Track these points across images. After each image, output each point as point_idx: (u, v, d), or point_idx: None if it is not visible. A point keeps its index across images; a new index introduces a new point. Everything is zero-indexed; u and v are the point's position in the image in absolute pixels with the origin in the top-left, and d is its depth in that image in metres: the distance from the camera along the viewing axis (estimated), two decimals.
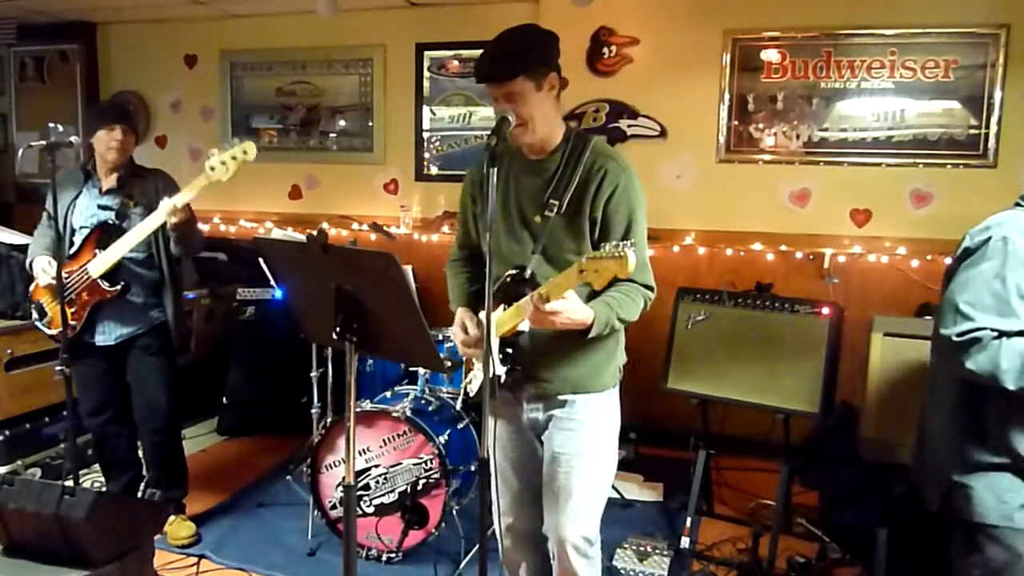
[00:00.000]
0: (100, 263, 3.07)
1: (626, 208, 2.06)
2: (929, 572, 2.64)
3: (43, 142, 2.81)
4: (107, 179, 3.23)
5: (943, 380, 1.99)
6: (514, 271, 2.13)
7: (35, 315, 3.23)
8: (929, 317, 3.08)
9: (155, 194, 3.18)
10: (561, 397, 2.17)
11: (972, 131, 4.05)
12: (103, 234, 3.12)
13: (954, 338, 1.81)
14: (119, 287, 3.12)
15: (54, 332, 2.98)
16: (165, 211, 2.97)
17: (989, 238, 1.84)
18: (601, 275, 1.83)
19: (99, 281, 3.09)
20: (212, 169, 2.97)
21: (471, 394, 2.31)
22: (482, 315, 1.95)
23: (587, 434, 2.18)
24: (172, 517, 3.38)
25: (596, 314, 1.97)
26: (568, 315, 1.92)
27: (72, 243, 3.17)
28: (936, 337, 1.92)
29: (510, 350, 2.14)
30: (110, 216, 3.16)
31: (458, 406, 3.42)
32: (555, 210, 2.07)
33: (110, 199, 3.20)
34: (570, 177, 2.08)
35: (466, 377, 2.36)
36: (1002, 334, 1.77)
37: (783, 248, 4.35)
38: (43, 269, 3.07)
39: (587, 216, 2.06)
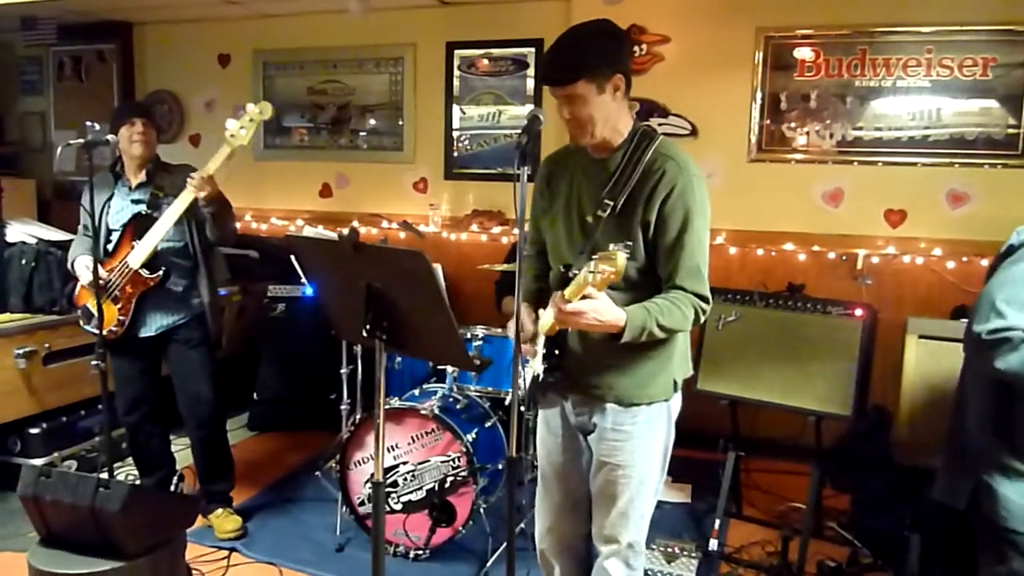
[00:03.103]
0: (139, 253, 3.12)
1: (682, 212, 1.95)
2: None
3: (80, 140, 2.86)
4: (136, 176, 3.28)
5: (977, 377, 1.95)
6: (563, 269, 2.06)
7: (82, 320, 3.28)
8: (965, 320, 3.02)
9: (183, 184, 3.23)
10: (607, 405, 2.10)
11: (1011, 131, 3.97)
12: (138, 225, 3.17)
13: (984, 336, 1.78)
14: (160, 273, 3.18)
15: (102, 332, 3.03)
16: (194, 185, 3.03)
17: None
18: (600, 277, 1.75)
19: (140, 271, 3.15)
20: (232, 136, 3.06)
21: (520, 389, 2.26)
22: (540, 313, 1.94)
23: (633, 446, 2.10)
24: (219, 510, 3.43)
25: (629, 317, 1.88)
26: (595, 315, 1.83)
27: (108, 242, 3.22)
28: (968, 332, 1.87)
29: (557, 351, 2.09)
30: (142, 208, 3.22)
31: (507, 402, 3.42)
32: (608, 210, 2.00)
33: (141, 193, 3.25)
34: (629, 176, 1.99)
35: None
36: None
37: (815, 248, 4.29)
38: (86, 266, 3.12)
39: (639, 217, 1.98)
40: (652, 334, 1.93)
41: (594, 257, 1.76)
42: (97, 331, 3.00)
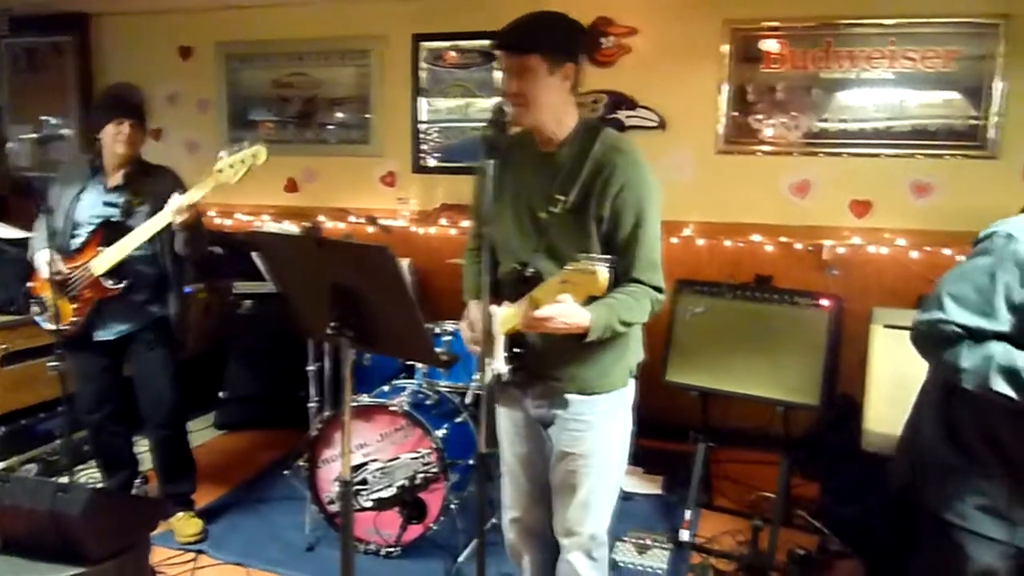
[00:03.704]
0: (103, 261, 3.04)
1: (635, 206, 1.96)
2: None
3: (34, 135, 2.78)
4: (114, 175, 3.18)
5: (932, 367, 1.97)
6: (519, 267, 2.07)
7: (35, 309, 3.20)
8: None
9: (162, 192, 3.16)
10: (568, 396, 2.12)
11: (972, 122, 4.02)
12: (107, 231, 3.08)
13: (920, 324, 1.80)
14: (122, 285, 3.09)
15: (53, 328, 2.95)
16: (172, 210, 2.93)
17: (994, 233, 1.79)
18: (578, 288, 1.76)
19: (102, 279, 3.06)
20: (220, 172, 2.93)
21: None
22: (492, 309, 1.93)
23: (594, 435, 2.13)
24: (180, 513, 3.37)
25: (594, 317, 1.90)
26: (562, 319, 1.85)
27: (74, 237, 3.13)
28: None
29: (517, 349, 2.10)
30: (115, 213, 3.13)
31: (467, 399, 3.40)
32: (561, 206, 2.00)
33: (116, 196, 3.16)
34: (578, 171, 2.00)
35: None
36: (972, 333, 1.73)
37: (783, 240, 4.32)
38: (46, 262, 3.04)
39: (593, 213, 1.98)
40: (615, 330, 1.97)
41: (568, 267, 1.76)
42: (52, 327, 2.93)
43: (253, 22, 5.29)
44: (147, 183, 3.19)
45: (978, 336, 1.73)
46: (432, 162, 5.06)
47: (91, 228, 3.11)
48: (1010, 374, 1.67)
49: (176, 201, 2.93)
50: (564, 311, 1.84)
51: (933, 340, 1.78)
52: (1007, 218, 1.83)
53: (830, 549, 3.26)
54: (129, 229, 3.05)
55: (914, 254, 4.12)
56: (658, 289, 2.04)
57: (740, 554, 3.20)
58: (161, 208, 2.99)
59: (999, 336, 1.72)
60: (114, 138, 3.10)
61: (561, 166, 2.03)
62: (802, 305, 3.31)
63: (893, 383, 2.72)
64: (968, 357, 1.72)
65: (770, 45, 4.28)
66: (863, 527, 3.00)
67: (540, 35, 1.96)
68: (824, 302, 3.28)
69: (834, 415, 3.51)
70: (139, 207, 3.12)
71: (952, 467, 1.86)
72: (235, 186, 5.19)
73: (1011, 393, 1.67)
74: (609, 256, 1.81)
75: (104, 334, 3.18)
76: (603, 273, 1.71)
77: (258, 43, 5.33)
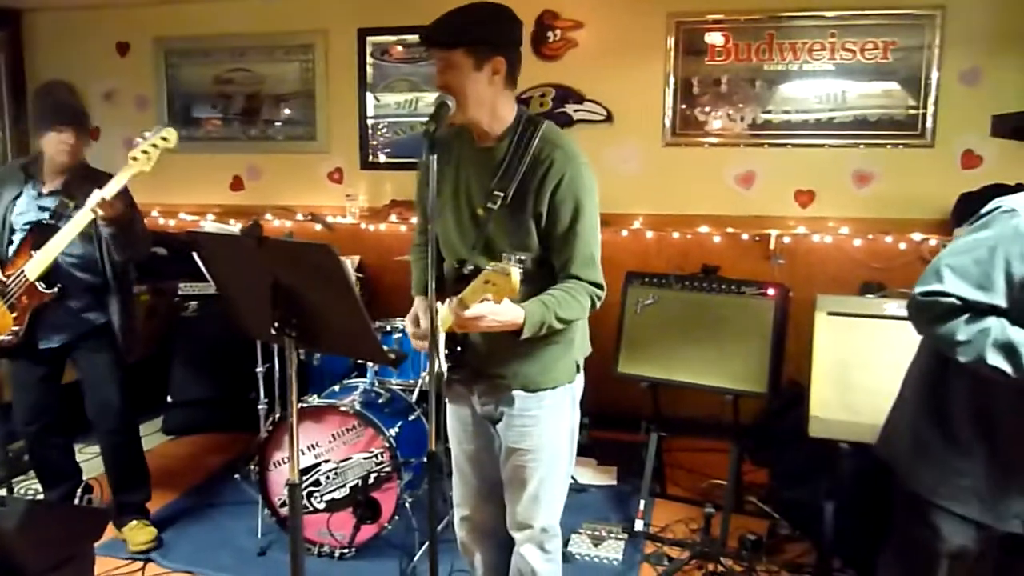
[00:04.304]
0: (36, 264, 2.94)
1: (572, 202, 1.94)
2: (876, 546, 2.69)
3: None
4: (51, 180, 3.08)
5: (922, 344, 1.97)
6: (457, 265, 2.06)
7: None
8: (871, 296, 3.12)
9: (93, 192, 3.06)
10: (513, 393, 2.10)
11: (911, 111, 4.12)
12: (38, 234, 2.97)
13: (918, 296, 1.78)
14: (55, 290, 2.99)
15: None
16: (92, 205, 2.83)
17: (997, 208, 1.77)
18: (498, 288, 1.74)
19: (37, 284, 2.96)
20: (134, 159, 2.84)
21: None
22: (438, 307, 1.91)
23: (541, 430, 2.12)
24: (133, 521, 3.28)
25: (528, 314, 1.88)
26: (494, 318, 1.82)
27: (11, 244, 3.04)
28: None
29: (459, 348, 2.08)
30: (46, 216, 3.02)
31: (413, 397, 3.38)
32: (499, 202, 1.98)
33: (50, 200, 3.05)
34: (517, 166, 1.97)
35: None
36: (969, 306, 1.71)
37: (729, 230, 4.38)
38: None
39: (531, 209, 1.96)
40: (551, 327, 1.94)
41: (489, 267, 1.75)
42: None
43: (192, 17, 5.17)
44: (84, 186, 3.08)
45: (975, 309, 1.71)
46: (381, 158, 5.01)
47: (23, 233, 3.02)
48: (1006, 349, 1.66)
49: (96, 195, 2.83)
50: (495, 309, 1.81)
51: (930, 313, 1.76)
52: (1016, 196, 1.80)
53: (780, 533, 3.32)
54: (59, 230, 2.95)
55: (857, 242, 4.22)
56: (597, 285, 2.02)
57: (693, 541, 3.24)
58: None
59: (996, 311, 1.71)
60: (56, 147, 3.00)
61: (500, 161, 2.00)
62: (748, 294, 3.36)
63: (837, 369, 2.77)
64: (965, 331, 1.70)
65: (714, 38, 4.33)
66: (812, 510, 3.05)
67: (464, 29, 1.92)
68: (770, 291, 3.33)
69: (782, 402, 3.57)
70: (73, 210, 3.02)
71: (933, 446, 1.87)
72: (179, 185, 5.09)
73: (1007, 368, 1.66)
74: (523, 257, 1.80)
75: (48, 343, 3.10)
76: (515, 275, 1.70)
77: (198, 38, 5.20)
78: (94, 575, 2.59)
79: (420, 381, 3.41)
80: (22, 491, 3.49)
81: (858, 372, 2.72)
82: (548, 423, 2.13)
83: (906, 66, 4.10)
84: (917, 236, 4.08)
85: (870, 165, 4.21)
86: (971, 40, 4.01)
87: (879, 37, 4.11)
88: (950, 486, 1.85)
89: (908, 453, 1.94)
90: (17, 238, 3.03)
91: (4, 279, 2.97)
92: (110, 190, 2.84)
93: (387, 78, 4.93)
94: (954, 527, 1.85)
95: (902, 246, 4.13)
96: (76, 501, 3.36)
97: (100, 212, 2.83)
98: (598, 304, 2.04)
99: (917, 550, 1.95)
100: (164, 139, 2.87)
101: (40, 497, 3.32)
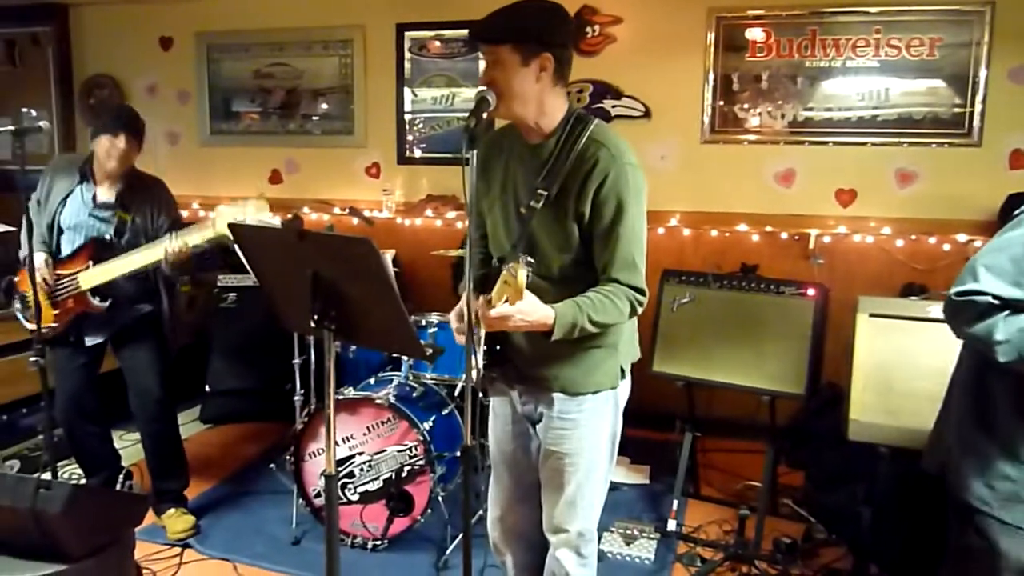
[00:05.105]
0: (92, 276, 3.02)
1: (615, 202, 1.88)
2: (914, 553, 2.65)
3: (11, 128, 2.73)
4: (103, 187, 3.13)
5: (963, 348, 1.93)
6: (498, 263, 2.03)
7: (17, 304, 3.16)
8: (915, 298, 3.07)
9: (151, 211, 3.12)
10: (553, 394, 2.07)
11: (957, 110, 4.03)
12: (98, 248, 3.06)
13: (953, 296, 1.75)
14: (106, 305, 3.08)
15: (32, 327, 2.92)
16: (169, 247, 2.91)
17: None
18: (511, 289, 1.69)
19: (88, 294, 3.04)
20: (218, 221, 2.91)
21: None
22: (481, 300, 1.91)
23: (580, 434, 2.08)
24: (171, 509, 3.33)
25: (558, 315, 1.83)
26: (522, 317, 1.78)
27: (59, 242, 3.11)
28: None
29: (498, 346, 2.06)
30: (107, 231, 3.10)
31: (455, 392, 3.39)
32: (542, 200, 1.94)
33: (106, 212, 3.11)
34: (562, 164, 1.94)
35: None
36: (1006, 304, 1.68)
37: (768, 229, 4.33)
38: (45, 262, 3.03)
39: (573, 209, 1.91)
40: (584, 330, 1.88)
41: (506, 267, 1.71)
42: (31, 327, 2.89)
43: (233, 12, 5.24)
44: (137, 198, 3.14)
45: (1013, 308, 1.68)
46: (417, 153, 5.03)
47: (81, 239, 3.09)
48: None
49: (177, 241, 2.90)
50: (523, 308, 1.76)
51: (967, 313, 1.72)
52: None
53: (816, 537, 3.27)
54: (120, 248, 3.03)
55: (899, 242, 4.14)
56: (638, 290, 1.95)
57: (726, 543, 3.21)
58: (151, 225, 3.02)
59: None
60: (108, 152, 3.05)
61: (547, 159, 1.97)
62: (787, 294, 3.31)
63: (878, 372, 2.72)
64: (1003, 330, 1.66)
65: (755, 34, 4.27)
66: (849, 514, 3.01)
67: (513, 25, 1.90)
68: (809, 291, 3.28)
69: (819, 403, 3.52)
70: (130, 225, 3.10)
71: (980, 451, 1.82)
72: (218, 178, 5.16)
73: None
74: (532, 259, 1.76)
75: (94, 339, 3.18)
76: (522, 275, 1.66)
77: (238, 33, 5.27)
78: (134, 559, 2.65)
79: (463, 378, 3.42)
80: (66, 475, 3.57)
81: (899, 375, 2.68)
82: (588, 428, 2.09)
83: (952, 63, 4.01)
84: (962, 237, 4.00)
85: (914, 164, 4.13)
86: (1021, 36, 3.90)
87: (925, 33, 4.02)
88: (999, 493, 1.80)
89: (956, 462, 1.89)
90: (65, 239, 3.10)
91: (55, 276, 3.04)
92: (191, 240, 2.91)
93: (424, 73, 4.94)
94: (1010, 539, 1.78)
95: (946, 247, 4.05)
96: (118, 487, 3.44)
97: (171, 258, 2.90)
98: (639, 310, 1.97)
99: (974, 565, 1.88)
100: (256, 212, 2.94)
101: (83, 482, 3.39)
